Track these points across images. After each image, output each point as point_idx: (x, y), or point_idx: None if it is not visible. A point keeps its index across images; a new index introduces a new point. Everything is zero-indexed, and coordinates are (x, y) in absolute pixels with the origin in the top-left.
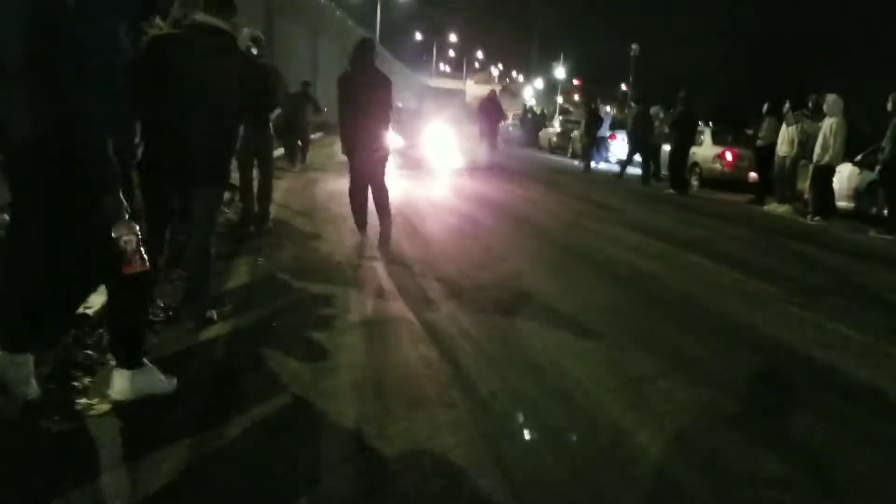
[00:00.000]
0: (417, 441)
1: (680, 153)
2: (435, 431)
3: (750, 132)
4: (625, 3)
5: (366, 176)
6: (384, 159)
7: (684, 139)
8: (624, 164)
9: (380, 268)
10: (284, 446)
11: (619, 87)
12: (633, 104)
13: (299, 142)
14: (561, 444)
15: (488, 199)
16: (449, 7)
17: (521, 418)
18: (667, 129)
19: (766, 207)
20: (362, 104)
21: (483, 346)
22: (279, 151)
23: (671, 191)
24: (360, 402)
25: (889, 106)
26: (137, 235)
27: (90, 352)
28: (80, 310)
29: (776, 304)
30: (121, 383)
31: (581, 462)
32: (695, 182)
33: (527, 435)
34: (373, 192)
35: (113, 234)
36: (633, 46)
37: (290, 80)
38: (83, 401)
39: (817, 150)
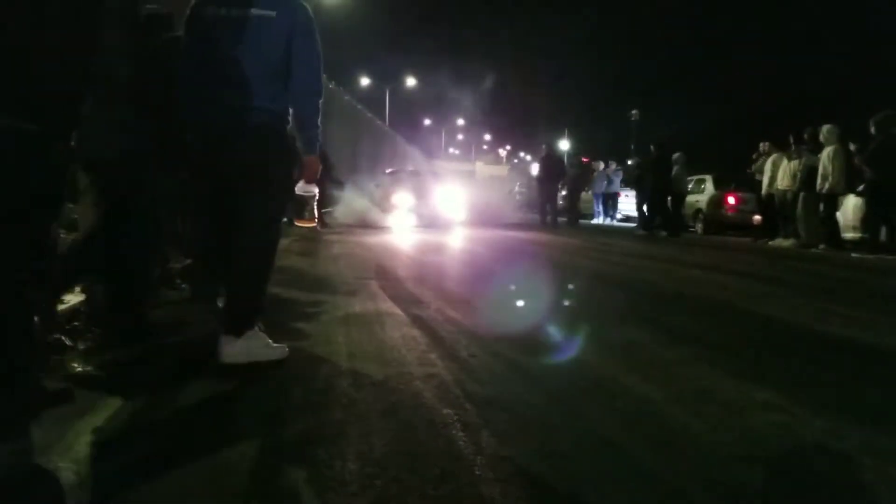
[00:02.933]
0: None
1: (659, 196)
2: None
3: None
4: (624, 74)
5: None
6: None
7: (659, 183)
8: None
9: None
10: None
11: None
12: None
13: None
14: (537, 382)
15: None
16: (455, 92)
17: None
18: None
19: (770, 243)
20: None
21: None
22: None
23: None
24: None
25: (872, 129)
26: (314, 195)
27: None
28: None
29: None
30: (231, 348)
31: (559, 398)
32: (699, 227)
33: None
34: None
35: (296, 191)
36: (633, 112)
37: None
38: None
39: (819, 180)
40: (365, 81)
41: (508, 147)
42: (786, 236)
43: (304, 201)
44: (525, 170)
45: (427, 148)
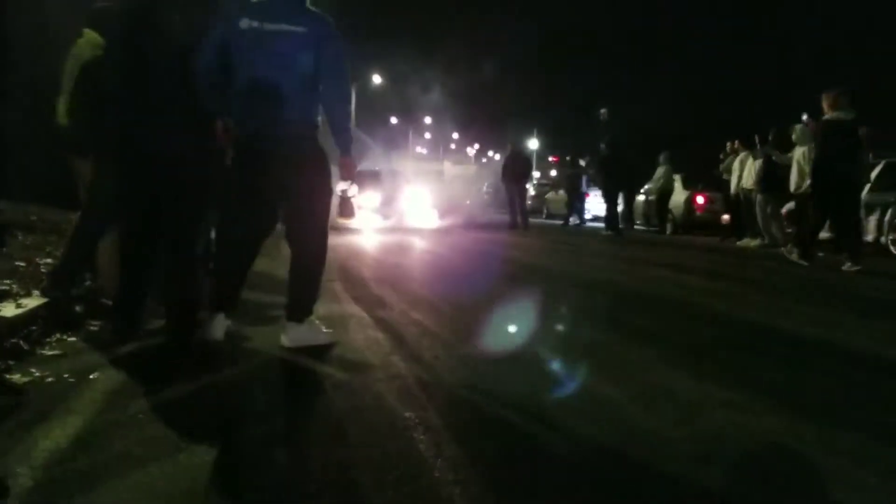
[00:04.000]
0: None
1: (609, 195)
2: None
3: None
4: (591, 67)
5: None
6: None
7: (608, 183)
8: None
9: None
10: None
11: (601, 143)
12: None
13: None
14: (499, 383)
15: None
16: (422, 90)
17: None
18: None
19: (738, 243)
20: None
21: None
22: None
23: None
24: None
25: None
26: (354, 193)
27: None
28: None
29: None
30: (295, 333)
31: (521, 400)
32: (668, 227)
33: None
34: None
35: (338, 190)
36: (602, 111)
37: None
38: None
39: (794, 179)
40: None
41: (477, 146)
42: (753, 236)
43: (344, 199)
44: (493, 169)
45: (393, 147)
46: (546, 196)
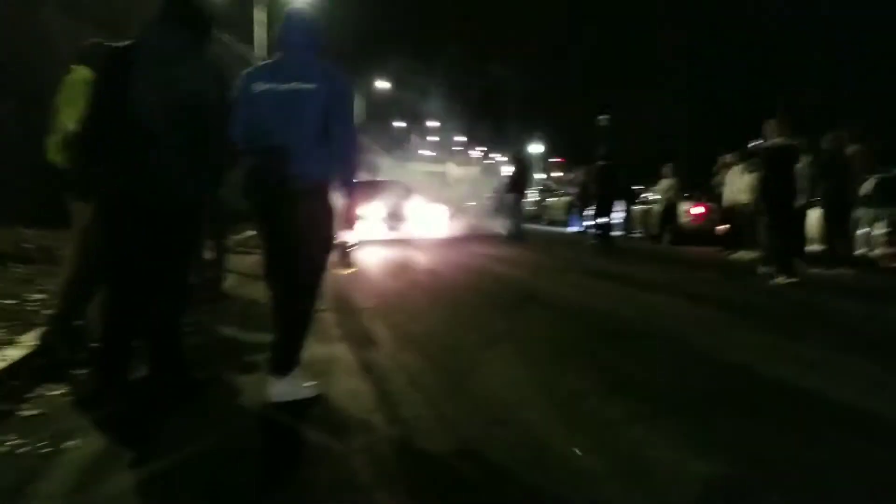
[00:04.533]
0: None
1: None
2: None
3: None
4: (595, 76)
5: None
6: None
7: (602, 192)
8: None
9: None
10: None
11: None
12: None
13: None
14: (478, 454)
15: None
16: (427, 93)
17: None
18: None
19: (733, 256)
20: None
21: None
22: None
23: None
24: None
25: (824, 145)
26: (355, 244)
27: None
28: None
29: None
30: (279, 388)
31: (500, 472)
32: (665, 237)
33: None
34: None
35: (337, 240)
36: (602, 118)
37: None
38: None
39: None
40: None
41: (483, 149)
42: (748, 249)
43: (345, 250)
44: (497, 172)
45: (398, 149)
46: (546, 202)
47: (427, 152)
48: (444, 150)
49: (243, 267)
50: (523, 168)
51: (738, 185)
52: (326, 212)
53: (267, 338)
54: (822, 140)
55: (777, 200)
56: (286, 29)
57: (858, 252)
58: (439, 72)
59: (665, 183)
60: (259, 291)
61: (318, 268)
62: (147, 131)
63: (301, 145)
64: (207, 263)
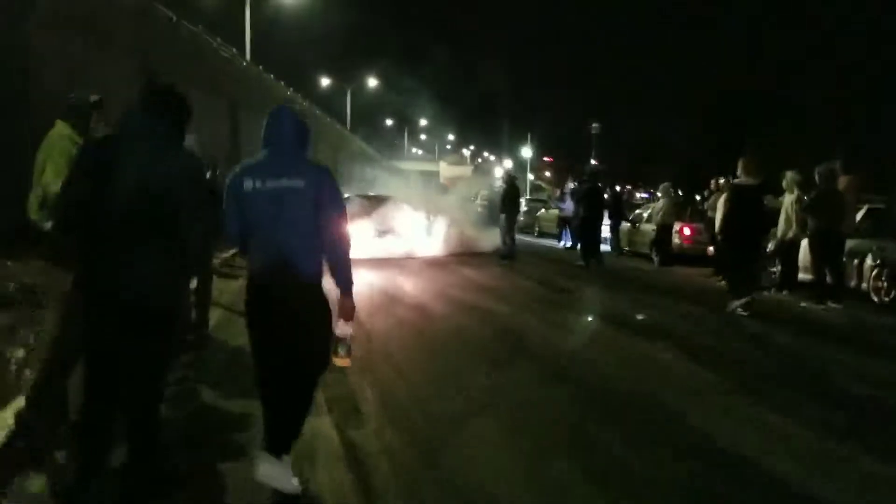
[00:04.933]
0: None
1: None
2: None
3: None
4: (588, 82)
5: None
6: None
7: (588, 214)
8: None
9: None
10: None
11: (589, 162)
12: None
13: None
14: None
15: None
16: (418, 92)
17: None
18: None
19: (720, 283)
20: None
21: None
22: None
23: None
24: None
25: (816, 178)
26: (350, 334)
27: None
28: None
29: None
30: (268, 469)
31: None
32: (654, 258)
33: None
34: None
35: (337, 332)
36: (594, 125)
37: None
38: None
39: (781, 225)
40: (325, 82)
41: (472, 147)
42: None
43: (341, 340)
44: (489, 172)
45: (389, 148)
46: (538, 214)
47: (419, 151)
48: (437, 149)
49: (228, 294)
50: (514, 188)
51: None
52: (324, 306)
53: (253, 405)
54: (816, 172)
55: (739, 235)
56: (273, 125)
57: (852, 284)
58: (431, 72)
59: (659, 204)
60: (245, 337)
61: (319, 364)
62: (122, 227)
63: (294, 242)
64: (192, 297)
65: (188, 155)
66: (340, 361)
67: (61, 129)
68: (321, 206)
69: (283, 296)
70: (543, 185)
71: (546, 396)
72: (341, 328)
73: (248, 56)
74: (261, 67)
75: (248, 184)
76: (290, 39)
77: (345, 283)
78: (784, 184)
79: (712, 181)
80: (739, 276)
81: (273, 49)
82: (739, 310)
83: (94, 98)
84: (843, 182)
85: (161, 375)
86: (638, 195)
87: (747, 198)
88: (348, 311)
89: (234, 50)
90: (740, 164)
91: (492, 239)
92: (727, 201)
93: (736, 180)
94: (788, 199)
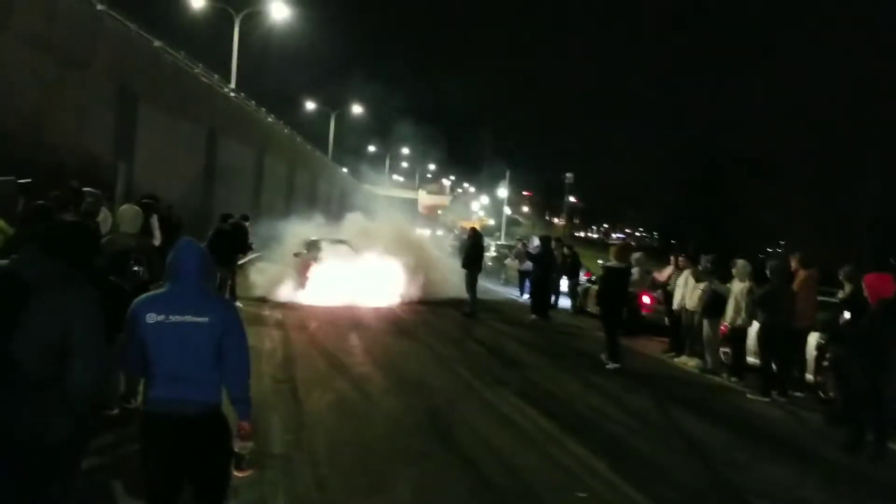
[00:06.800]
0: None
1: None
2: None
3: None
4: (563, 129)
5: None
6: None
7: (540, 275)
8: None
9: None
10: None
11: (566, 200)
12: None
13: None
14: None
15: None
16: (400, 123)
17: None
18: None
19: (676, 360)
20: None
21: None
22: None
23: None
24: None
25: (768, 273)
26: (249, 448)
27: None
28: None
29: None
30: None
31: None
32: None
33: None
34: None
35: (236, 448)
36: (567, 175)
37: (233, 206)
38: None
39: (730, 312)
40: (311, 106)
41: (452, 177)
42: (691, 355)
43: (241, 455)
44: (468, 203)
45: (369, 175)
46: (505, 262)
47: (400, 178)
48: (417, 178)
49: None
50: (479, 246)
51: (687, 289)
52: (223, 429)
53: None
54: (767, 265)
55: (609, 306)
56: (178, 259)
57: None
58: (415, 103)
59: (633, 273)
60: None
61: (221, 487)
62: (11, 369)
63: (195, 374)
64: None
65: (86, 293)
66: (241, 474)
67: None
68: (227, 340)
69: (182, 426)
70: (521, 219)
71: None
72: (240, 444)
73: (233, 83)
74: (242, 95)
75: (151, 317)
76: (276, 66)
77: (244, 408)
78: (734, 271)
79: (672, 257)
80: (614, 341)
81: (260, 74)
82: (610, 364)
83: (22, 181)
84: (801, 276)
85: None
86: (614, 235)
87: (616, 277)
88: (247, 432)
89: (216, 76)
90: (612, 251)
91: (459, 284)
92: (601, 279)
93: (608, 263)
94: (738, 287)
